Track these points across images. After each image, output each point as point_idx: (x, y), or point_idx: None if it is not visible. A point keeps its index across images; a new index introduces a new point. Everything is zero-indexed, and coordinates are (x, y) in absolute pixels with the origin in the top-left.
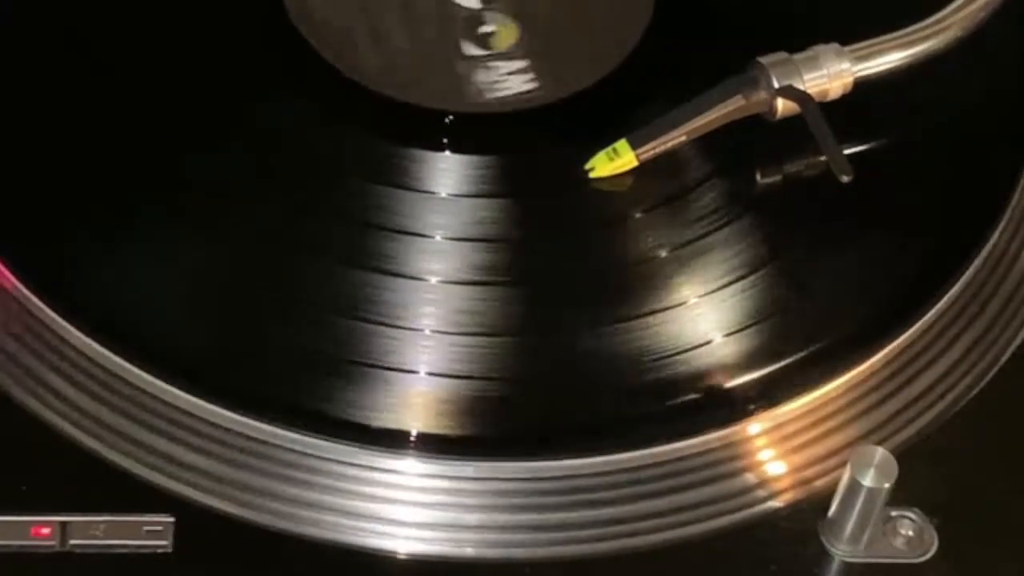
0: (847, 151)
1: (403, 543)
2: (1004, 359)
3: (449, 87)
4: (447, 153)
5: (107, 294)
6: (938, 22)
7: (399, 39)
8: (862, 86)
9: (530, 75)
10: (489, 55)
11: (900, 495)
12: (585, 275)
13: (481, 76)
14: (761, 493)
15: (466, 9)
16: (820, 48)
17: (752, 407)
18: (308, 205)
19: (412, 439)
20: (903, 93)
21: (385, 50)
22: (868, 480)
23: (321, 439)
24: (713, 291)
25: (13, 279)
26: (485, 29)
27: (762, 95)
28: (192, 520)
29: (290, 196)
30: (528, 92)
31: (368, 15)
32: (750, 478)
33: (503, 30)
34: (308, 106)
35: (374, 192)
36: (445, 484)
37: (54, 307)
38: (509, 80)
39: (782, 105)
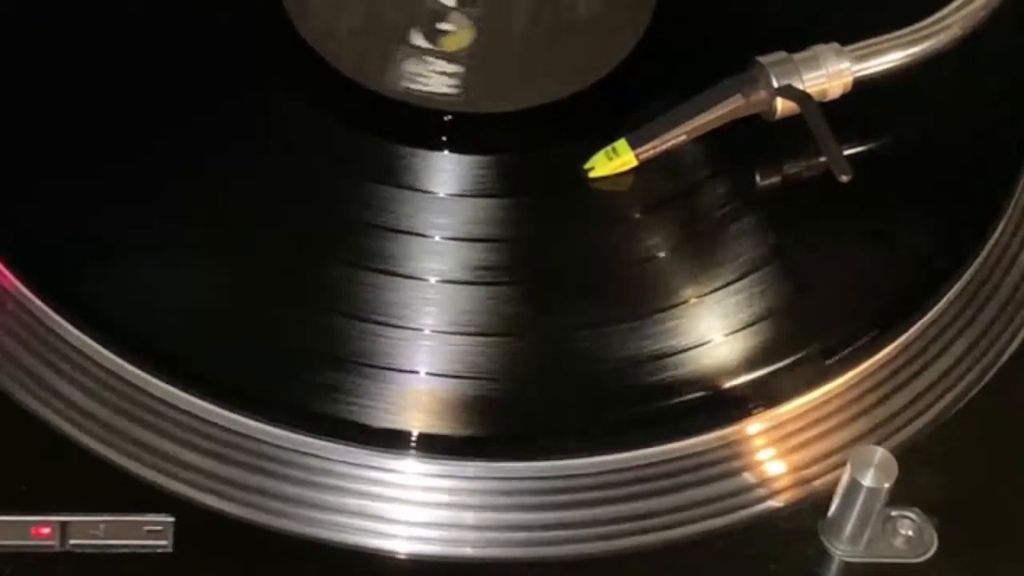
0: (847, 151)
1: (403, 543)
2: (1004, 359)
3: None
4: (446, 153)
5: (107, 294)
6: (938, 22)
7: (400, 38)
8: (862, 86)
9: (455, 82)
10: (430, 50)
11: (900, 495)
12: (585, 275)
13: (410, 65)
14: (761, 493)
15: (438, 3)
16: (820, 48)
17: (752, 407)
18: (308, 205)
19: (412, 439)
20: (903, 93)
21: (385, 49)
22: (868, 480)
23: (321, 439)
24: (713, 291)
25: (13, 279)
26: (443, 27)
27: (762, 95)
28: (192, 520)
29: (289, 196)
30: (443, 95)
31: (369, 15)
32: (750, 478)
33: (458, 34)
34: (307, 106)
35: (374, 192)
36: (445, 484)
37: (54, 307)
38: (432, 78)
39: (782, 105)
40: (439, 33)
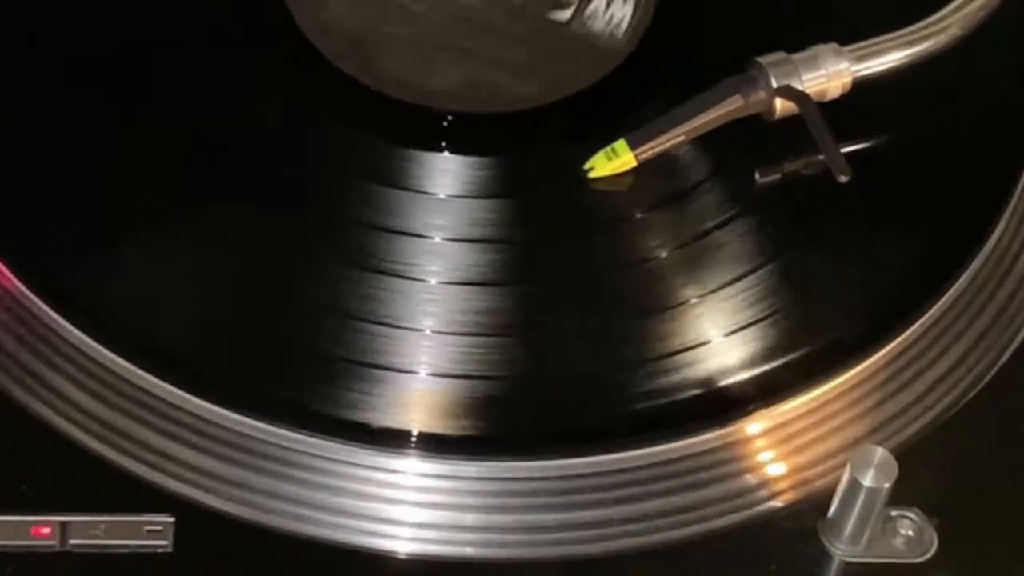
0: (846, 151)
1: (403, 543)
2: (1004, 359)
3: (451, 87)
4: (447, 153)
5: (107, 293)
6: (938, 22)
7: (401, 38)
8: (861, 86)
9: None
10: (578, 5)
11: (900, 495)
12: (585, 275)
13: (597, 26)
14: (761, 493)
15: None
16: (819, 48)
17: (752, 407)
18: (309, 205)
19: (413, 439)
20: (903, 93)
21: (387, 50)
22: (868, 480)
23: (321, 439)
24: (713, 291)
25: (13, 279)
26: None
27: (761, 95)
28: (192, 520)
29: (291, 196)
30: (634, 12)
31: (371, 14)
32: (750, 478)
33: None
34: (308, 106)
35: (374, 192)
36: (445, 484)
37: (54, 307)
38: (612, 10)
39: (781, 105)
40: None
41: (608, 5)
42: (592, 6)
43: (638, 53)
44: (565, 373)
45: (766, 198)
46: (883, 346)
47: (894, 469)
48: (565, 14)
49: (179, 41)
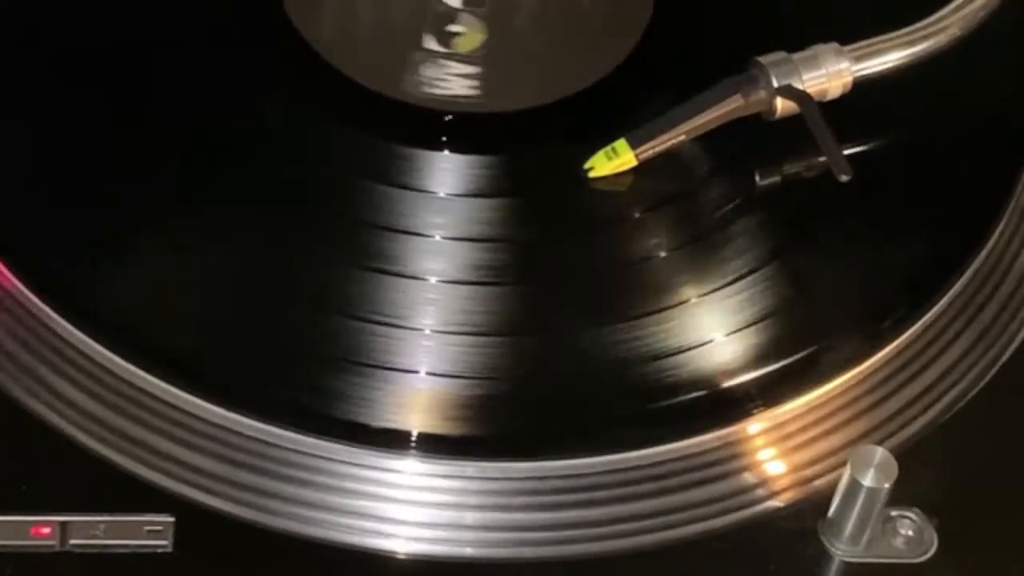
0: (846, 151)
1: (403, 543)
2: (1004, 359)
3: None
4: (447, 153)
5: (107, 293)
6: (937, 22)
7: (399, 39)
8: (862, 86)
9: (475, 83)
10: (444, 53)
11: (900, 495)
12: (585, 275)
13: (428, 70)
14: (761, 493)
15: (444, 5)
16: (819, 48)
17: (752, 407)
18: (308, 205)
19: (412, 439)
20: (903, 93)
21: (384, 50)
22: (868, 480)
23: (321, 439)
24: (713, 291)
25: (13, 279)
26: (452, 28)
27: (761, 94)
28: (192, 520)
29: (290, 196)
30: (465, 97)
31: (368, 15)
32: (750, 478)
33: (469, 34)
34: (308, 106)
35: (374, 192)
36: (445, 484)
37: (54, 307)
38: (452, 81)
39: (781, 104)
40: (451, 35)
41: (443, 76)
42: (440, 63)
43: (638, 53)
44: (565, 373)
45: (766, 198)
46: (883, 346)
47: (894, 469)
48: (434, 47)
49: (179, 41)
